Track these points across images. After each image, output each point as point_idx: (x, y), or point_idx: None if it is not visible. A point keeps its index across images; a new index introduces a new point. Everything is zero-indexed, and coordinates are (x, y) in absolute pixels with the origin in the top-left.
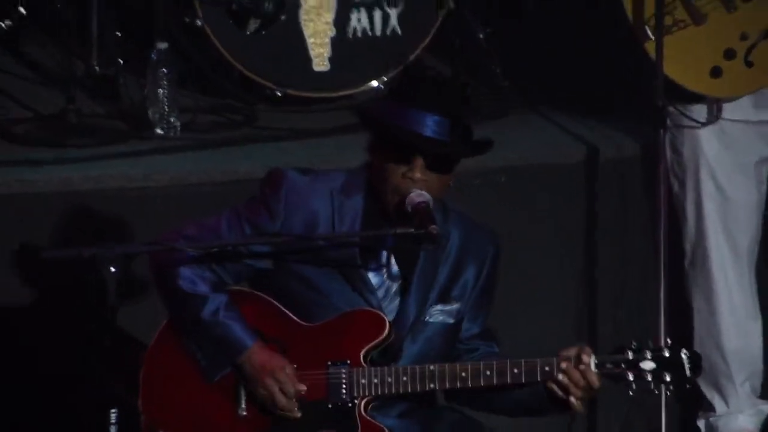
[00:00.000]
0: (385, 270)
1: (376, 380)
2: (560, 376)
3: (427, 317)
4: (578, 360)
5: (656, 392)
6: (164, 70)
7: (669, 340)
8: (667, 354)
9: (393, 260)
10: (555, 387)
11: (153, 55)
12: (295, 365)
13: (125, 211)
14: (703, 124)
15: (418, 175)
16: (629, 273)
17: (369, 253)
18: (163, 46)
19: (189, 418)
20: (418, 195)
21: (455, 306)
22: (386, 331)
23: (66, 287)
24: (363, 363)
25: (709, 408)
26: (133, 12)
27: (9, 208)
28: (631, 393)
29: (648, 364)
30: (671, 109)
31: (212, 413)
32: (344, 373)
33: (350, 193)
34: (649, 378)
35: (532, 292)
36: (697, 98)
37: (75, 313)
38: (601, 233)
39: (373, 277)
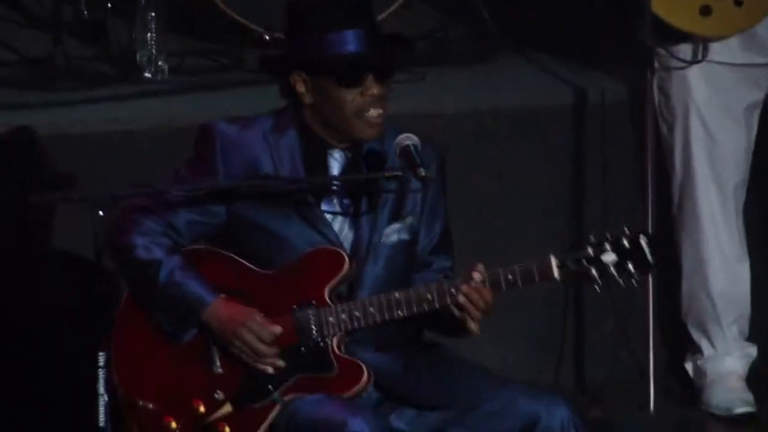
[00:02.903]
0: (336, 200)
1: (344, 316)
2: (460, 298)
3: (383, 238)
4: (469, 277)
5: (622, 283)
6: (153, 13)
7: (627, 230)
8: (626, 243)
9: (342, 189)
10: (454, 309)
11: None
12: (262, 314)
13: (113, 153)
14: (690, 63)
15: (375, 90)
16: (616, 217)
17: (319, 187)
18: None
19: (165, 383)
20: (406, 138)
21: (408, 220)
22: (346, 265)
23: (53, 231)
24: (329, 301)
25: (697, 351)
26: None
27: None
28: (597, 289)
29: (609, 257)
30: (659, 49)
31: (188, 375)
32: (311, 315)
33: (282, 131)
34: (613, 270)
35: (519, 235)
36: (684, 38)
37: (63, 257)
38: (588, 176)
39: (326, 212)
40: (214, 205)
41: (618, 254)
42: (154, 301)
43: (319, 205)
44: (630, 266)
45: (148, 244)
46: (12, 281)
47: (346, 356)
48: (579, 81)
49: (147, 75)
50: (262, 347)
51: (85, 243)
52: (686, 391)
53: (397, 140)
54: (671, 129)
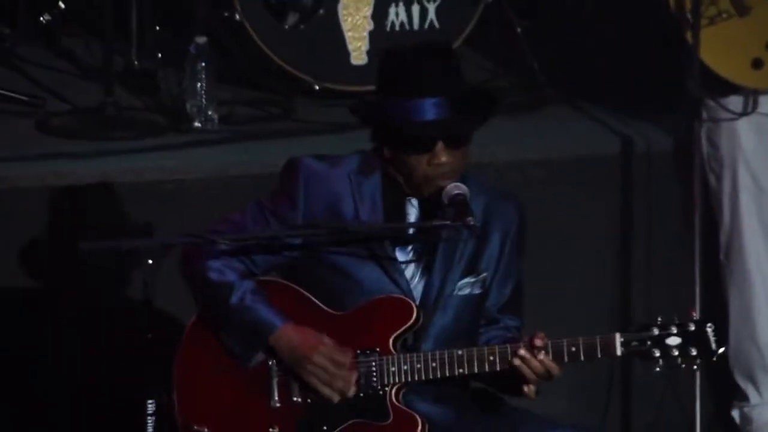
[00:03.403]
0: (411, 250)
1: (405, 367)
2: (516, 362)
3: (455, 291)
4: (531, 344)
5: (683, 367)
6: (203, 63)
7: (694, 315)
8: (692, 328)
9: (417, 241)
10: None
11: (192, 49)
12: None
13: (163, 203)
14: (739, 116)
15: (443, 159)
16: (663, 265)
17: (397, 236)
18: (201, 40)
19: (222, 411)
20: (456, 187)
21: (482, 275)
22: (414, 316)
23: (103, 279)
24: (392, 350)
25: (743, 398)
26: (172, 6)
27: (47, 201)
28: (657, 369)
29: (674, 340)
30: (708, 101)
31: (245, 406)
32: (374, 362)
33: (367, 174)
34: (676, 353)
35: (566, 283)
36: (733, 90)
37: (113, 305)
38: (635, 226)
39: (400, 259)
40: (293, 241)
41: (683, 338)
42: (224, 324)
43: (394, 252)
44: (693, 351)
45: (221, 267)
46: (63, 329)
47: (402, 407)
48: (626, 130)
49: (197, 124)
50: (336, 370)
51: (136, 291)
52: None
53: (446, 189)
54: (719, 179)
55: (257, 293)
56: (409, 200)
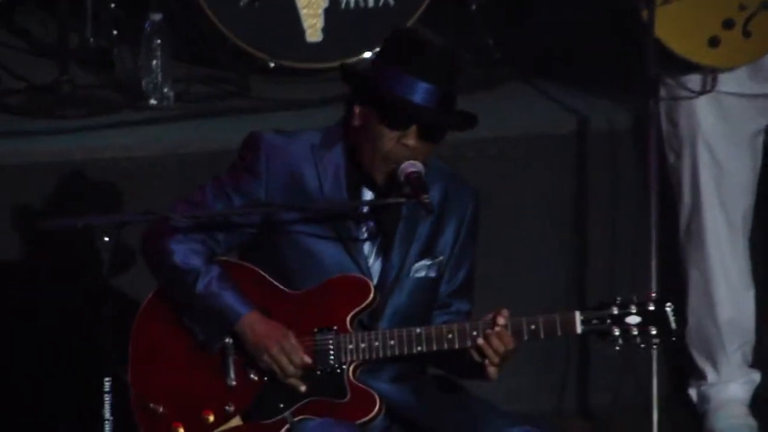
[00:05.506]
0: (367, 229)
1: (363, 345)
2: (480, 341)
3: (411, 273)
4: (492, 322)
5: (642, 346)
6: (158, 41)
7: (654, 294)
8: (652, 308)
9: (373, 219)
10: (474, 352)
11: (147, 26)
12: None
13: (118, 180)
14: (698, 94)
15: (412, 142)
16: (621, 243)
17: (355, 213)
18: (157, 17)
19: (178, 389)
20: (411, 165)
21: (438, 259)
22: (371, 295)
23: (61, 257)
24: (349, 328)
25: (701, 377)
26: None
27: (2, 179)
28: (617, 348)
29: (633, 319)
30: (668, 80)
31: (201, 384)
32: (331, 340)
33: (329, 147)
34: (635, 332)
35: (524, 262)
36: (692, 69)
37: (70, 282)
38: (592, 204)
39: (358, 235)
40: (253, 218)
41: (642, 317)
42: (190, 310)
43: (354, 230)
44: (653, 330)
45: (186, 251)
46: (20, 308)
47: (360, 384)
48: (583, 108)
49: (152, 102)
50: (291, 369)
51: (91, 268)
52: (690, 417)
53: (401, 167)
54: (679, 157)
55: (224, 279)
56: (368, 177)
